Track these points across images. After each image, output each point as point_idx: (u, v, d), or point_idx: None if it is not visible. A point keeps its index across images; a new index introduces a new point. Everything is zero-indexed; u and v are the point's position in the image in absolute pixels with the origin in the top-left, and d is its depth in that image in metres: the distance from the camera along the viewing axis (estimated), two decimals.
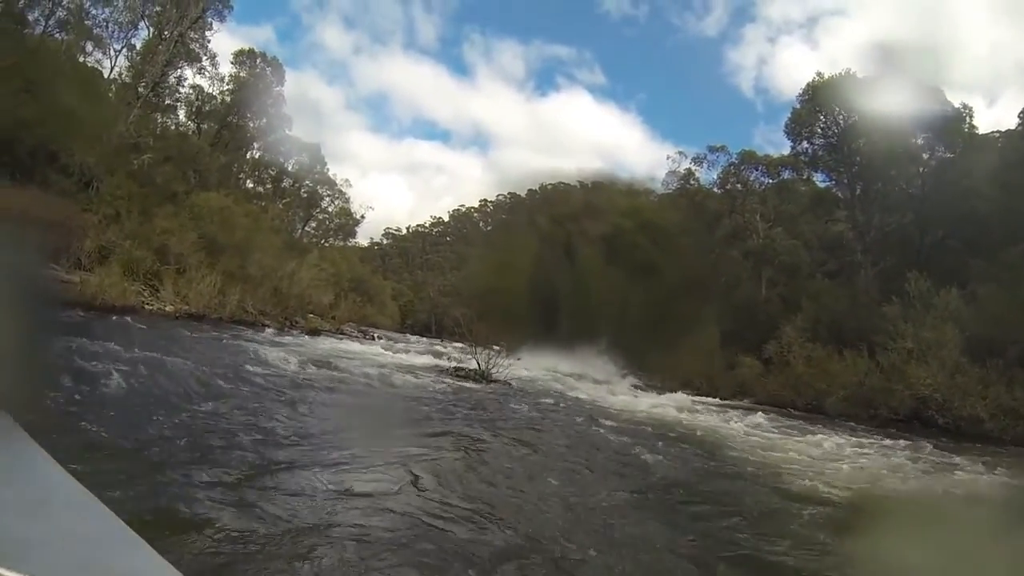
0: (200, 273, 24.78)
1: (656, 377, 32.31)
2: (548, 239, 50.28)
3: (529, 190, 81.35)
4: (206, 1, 32.45)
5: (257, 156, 43.72)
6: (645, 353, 35.40)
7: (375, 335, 38.07)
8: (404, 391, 15.74)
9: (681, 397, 25.59)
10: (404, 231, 77.43)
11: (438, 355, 27.41)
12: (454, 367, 21.82)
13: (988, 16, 76.36)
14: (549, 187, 78.81)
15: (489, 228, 75.57)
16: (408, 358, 25.07)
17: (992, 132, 35.79)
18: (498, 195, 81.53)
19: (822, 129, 37.75)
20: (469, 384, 19.60)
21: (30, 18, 30.62)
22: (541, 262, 50.98)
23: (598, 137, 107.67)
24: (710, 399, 27.35)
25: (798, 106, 38.57)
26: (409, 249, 75.10)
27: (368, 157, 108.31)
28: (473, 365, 21.39)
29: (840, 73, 37.06)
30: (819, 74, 38.25)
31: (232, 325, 24.80)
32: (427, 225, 78.63)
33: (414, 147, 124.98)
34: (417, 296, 64.26)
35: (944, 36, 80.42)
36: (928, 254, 33.11)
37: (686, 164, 46.28)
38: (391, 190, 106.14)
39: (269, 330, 26.43)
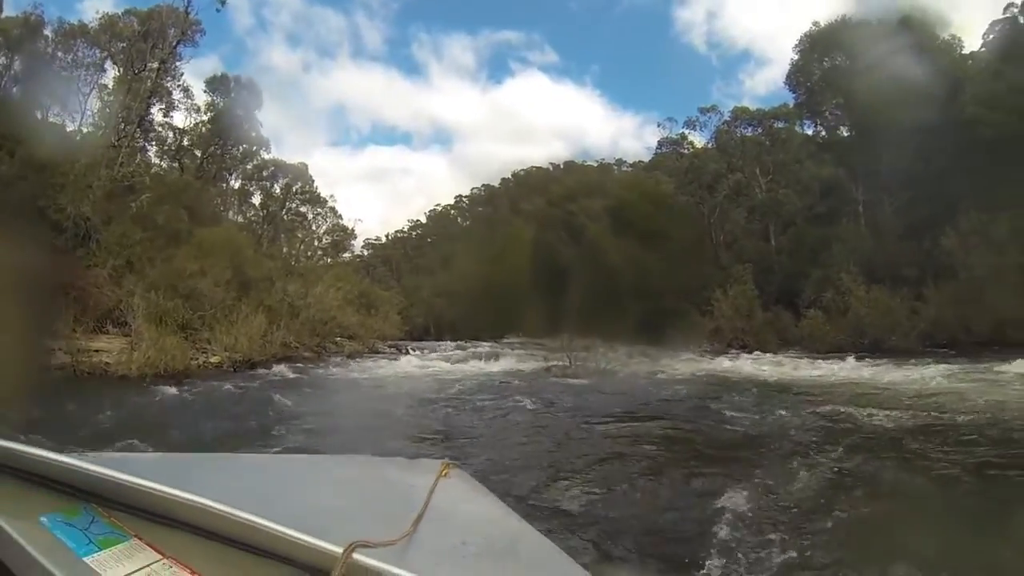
0: (241, 315, 21.10)
1: (697, 341, 30.80)
2: (546, 222, 49.29)
3: (503, 179, 78.51)
4: (185, 25, 27.55)
5: (237, 185, 39.78)
6: (677, 319, 34.33)
7: (408, 348, 34.86)
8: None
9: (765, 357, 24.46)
10: (384, 239, 73.42)
11: (496, 357, 25.51)
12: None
13: None
14: (521, 173, 76.17)
15: (468, 224, 72.62)
16: (489, 366, 22.45)
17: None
18: (472, 189, 78.38)
19: (821, 75, 36.40)
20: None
21: None
22: (540, 248, 49.51)
23: (559, 116, 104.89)
24: (767, 355, 25.59)
25: (796, 56, 37.57)
26: (392, 256, 70.95)
27: (333, 171, 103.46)
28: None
29: (836, 19, 35.90)
30: (815, 23, 36.90)
31: (283, 363, 21.41)
32: (405, 230, 74.72)
33: (377, 154, 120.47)
34: (410, 301, 60.55)
35: None
36: (933, 186, 31.22)
37: (679, 129, 45.00)
38: (360, 201, 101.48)
39: (315, 364, 23.24)
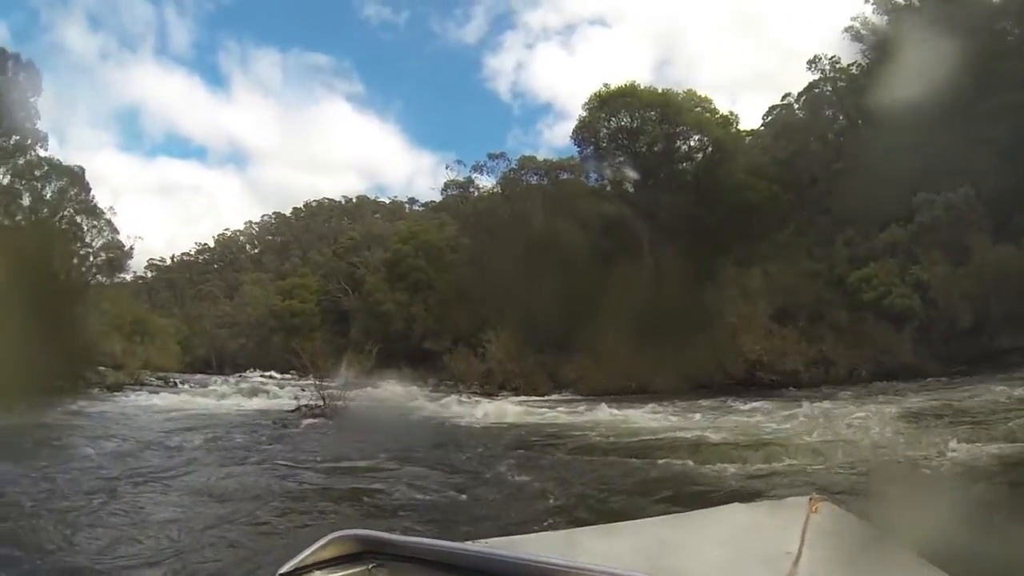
0: None
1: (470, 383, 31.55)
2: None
3: (294, 208, 75.95)
4: None
5: (6, 182, 35.02)
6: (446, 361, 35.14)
7: (176, 381, 32.20)
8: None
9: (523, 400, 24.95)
10: (168, 261, 67.93)
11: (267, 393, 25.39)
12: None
13: (727, 28, 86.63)
14: (314, 204, 74.33)
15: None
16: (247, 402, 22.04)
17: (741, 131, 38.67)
18: (263, 216, 75.21)
19: (607, 132, 38.12)
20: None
21: None
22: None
23: (358, 148, 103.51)
24: (539, 398, 26.50)
25: (584, 114, 38.83)
26: (176, 281, 65.73)
27: (118, 180, 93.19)
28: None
29: (627, 84, 38.09)
30: (605, 84, 38.66)
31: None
32: (192, 253, 69.74)
33: (168, 167, 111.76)
34: (192, 331, 56.34)
35: (691, 45, 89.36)
36: (704, 239, 34.05)
37: (467, 172, 44.95)
38: (146, 215, 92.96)
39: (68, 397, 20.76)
